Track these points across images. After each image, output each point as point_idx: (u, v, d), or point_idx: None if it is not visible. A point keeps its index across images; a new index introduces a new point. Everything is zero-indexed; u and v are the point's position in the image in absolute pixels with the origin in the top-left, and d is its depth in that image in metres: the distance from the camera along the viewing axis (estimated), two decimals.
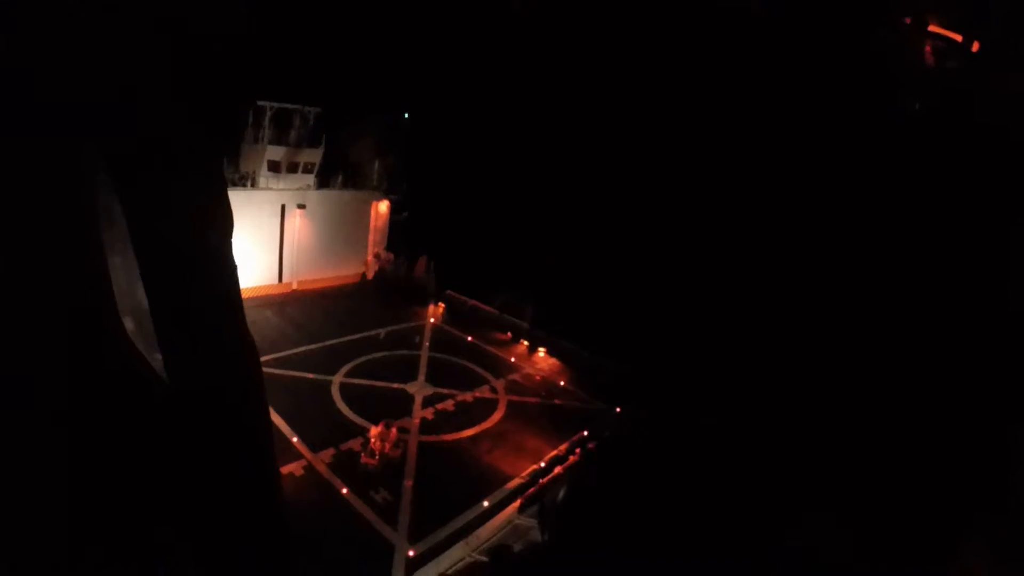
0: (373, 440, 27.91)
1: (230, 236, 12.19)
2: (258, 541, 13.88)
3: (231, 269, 12.23)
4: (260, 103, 47.21)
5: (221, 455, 13.46)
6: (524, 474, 28.42)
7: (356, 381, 36.04)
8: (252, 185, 48.43)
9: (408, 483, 26.50)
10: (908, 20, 27.82)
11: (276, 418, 29.73)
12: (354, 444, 28.84)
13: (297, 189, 51.53)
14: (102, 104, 10.74)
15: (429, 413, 33.61)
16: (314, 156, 52.11)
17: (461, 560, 22.44)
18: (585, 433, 32.74)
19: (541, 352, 45.90)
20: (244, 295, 43.71)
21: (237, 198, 45.34)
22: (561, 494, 26.33)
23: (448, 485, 26.90)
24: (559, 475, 28.41)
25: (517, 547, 23.15)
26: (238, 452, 13.55)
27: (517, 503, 25.88)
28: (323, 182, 54.50)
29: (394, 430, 28.64)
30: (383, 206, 60.21)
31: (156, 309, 12.20)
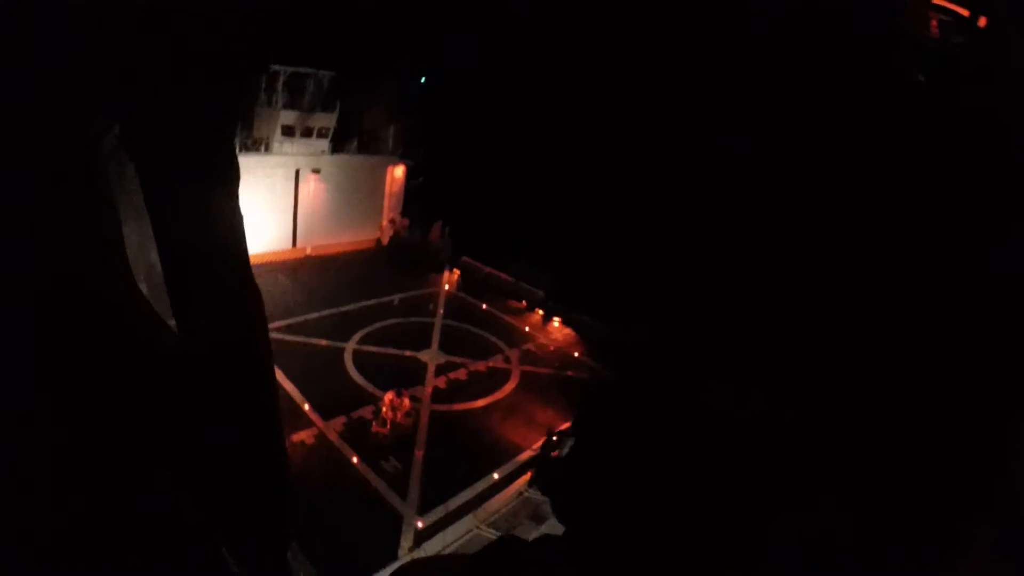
0: (384, 409, 27.84)
1: (237, 187, 12.27)
2: (259, 491, 13.84)
3: (239, 221, 12.28)
4: (274, 67, 46.52)
5: (227, 406, 13.46)
6: (535, 447, 28.27)
7: (369, 348, 35.96)
8: (266, 150, 47.93)
9: (419, 453, 26.45)
10: None
11: (288, 385, 29.70)
12: (365, 412, 28.76)
13: (311, 154, 50.98)
14: (115, 71, 10.73)
15: (442, 382, 33.49)
16: (329, 121, 51.43)
17: (469, 532, 22.40)
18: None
19: (556, 322, 45.55)
20: (258, 260, 43.25)
21: (250, 163, 44.96)
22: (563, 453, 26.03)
23: (458, 456, 26.82)
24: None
25: (526, 524, 23.04)
26: (244, 403, 13.53)
27: (527, 476, 25.79)
28: (338, 147, 53.84)
29: (407, 400, 28.53)
30: (399, 171, 59.59)
31: (168, 268, 12.38)
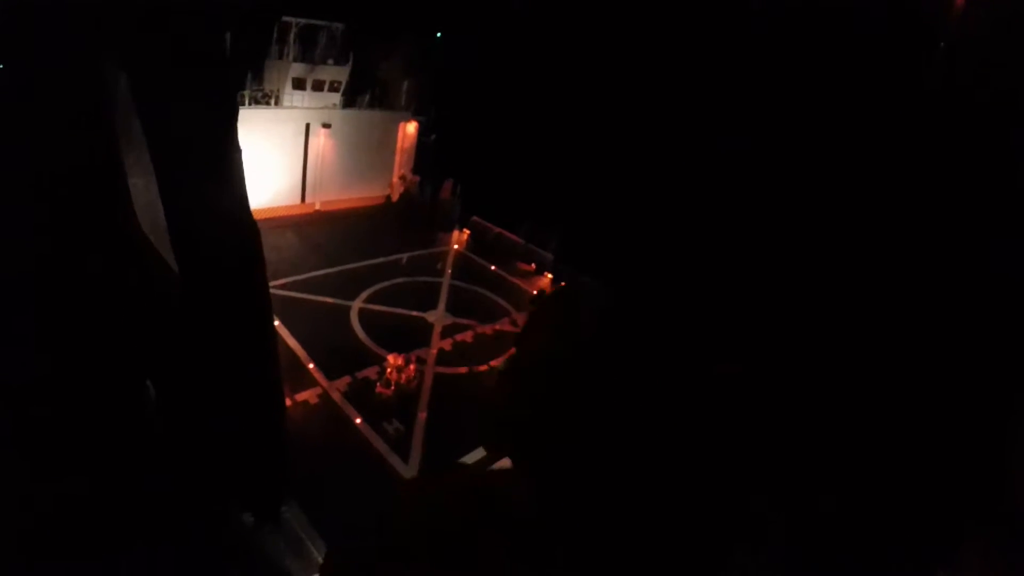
0: (389, 370, 27.80)
1: (235, 125, 12.31)
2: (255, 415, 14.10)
3: (238, 160, 12.29)
4: (285, 18, 45.54)
5: (225, 340, 13.66)
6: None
7: (375, 307, 35.83)
8: (276, 103, 47.29)
9: (422, 416, 26.46)
10: None
11: (293, 343, 29.70)
12: (370, 373, 28.77)
13: (322, 108, 50.26)
14: (126, 23, 10.67)
15: (447, 344, 33.39)
16: (341, 74, 50.62)
17: None
18: None
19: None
20: (266, 215, 42.93)
21: (260, 116, 44.46)
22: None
23: (462, 420, 26.75)
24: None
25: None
26: (242, 335, 13.73)
27: None
28: (350, 101, 53.01)
29: (412, 365, 28.46)
30: (411, 127, 58.71)
31: (170, 211, 12.50)
